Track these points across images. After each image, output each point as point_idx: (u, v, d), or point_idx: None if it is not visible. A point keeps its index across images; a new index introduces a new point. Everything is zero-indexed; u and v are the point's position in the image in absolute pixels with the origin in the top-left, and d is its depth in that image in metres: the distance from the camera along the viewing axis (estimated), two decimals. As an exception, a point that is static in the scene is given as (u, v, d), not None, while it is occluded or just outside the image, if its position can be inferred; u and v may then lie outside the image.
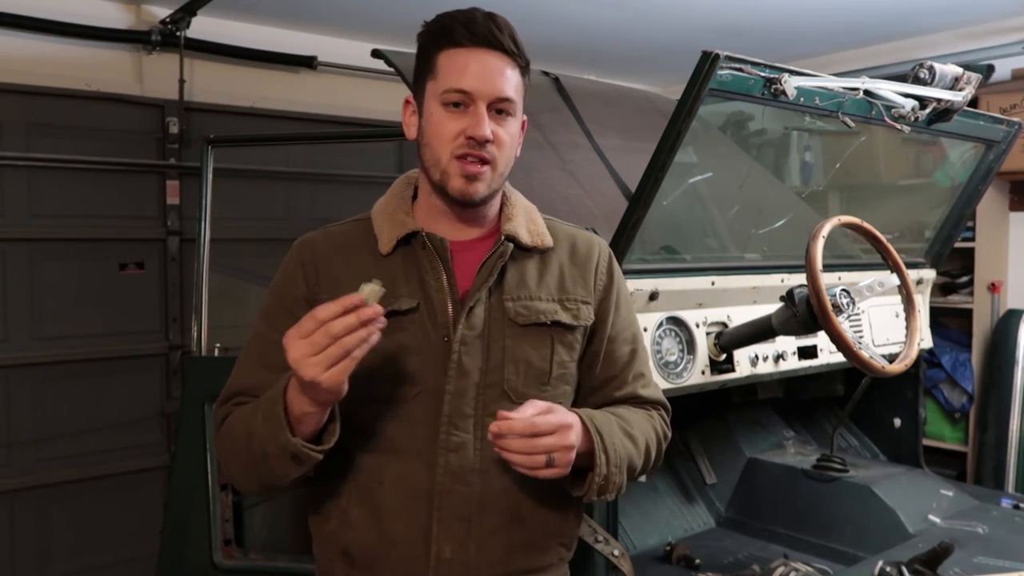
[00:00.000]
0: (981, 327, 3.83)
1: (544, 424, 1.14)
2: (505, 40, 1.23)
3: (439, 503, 1.23)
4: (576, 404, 1.37)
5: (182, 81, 3.58)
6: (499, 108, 1.24)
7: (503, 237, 1.30)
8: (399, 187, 1.37)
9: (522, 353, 1.27)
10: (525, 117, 1.34)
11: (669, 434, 1.41)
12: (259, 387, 1.25)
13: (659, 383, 1.57)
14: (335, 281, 1.28)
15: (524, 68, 1.28)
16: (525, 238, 1.31)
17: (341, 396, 1.13)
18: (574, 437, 1.17)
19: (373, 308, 1.08)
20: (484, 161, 1.23)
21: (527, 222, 1.34)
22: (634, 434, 1.30)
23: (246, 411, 1.23)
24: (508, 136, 1.26)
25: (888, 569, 1.96)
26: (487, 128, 1.21)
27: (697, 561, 2.22)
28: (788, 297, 2.03)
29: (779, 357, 2.33)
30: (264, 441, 1.16)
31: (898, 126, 2.07)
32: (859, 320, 2.55)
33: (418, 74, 1.29)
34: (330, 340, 1.06)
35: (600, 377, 1.38)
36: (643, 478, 1.47)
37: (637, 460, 1.30)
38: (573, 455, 1.16)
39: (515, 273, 1.30)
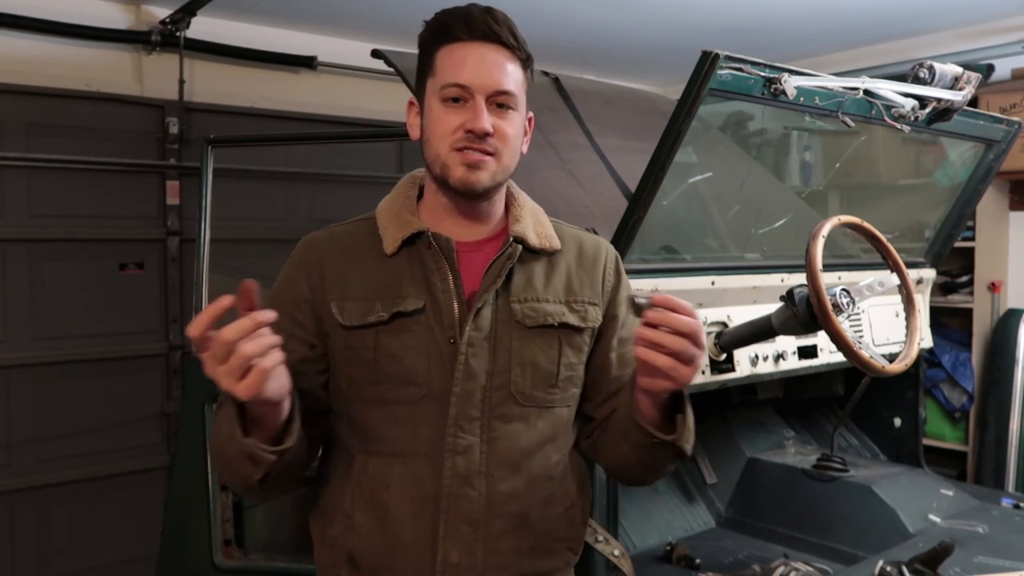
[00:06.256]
0: (981, 327, 3.83)
1: (692, 310, 1.07)
2: (503, 33, 1.22)
3: (446, 506, 1.22)
4: (590, 408, 1.35)
5: (182, 81, 3.58)
6: (499, 101, 1.22)
7: (511, 239, 1.28)
8: (404, 186, 1.35)
9: (529, 355, 1.26)
10: (532, 114, 1.33)
11: None
12: None
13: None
14: (341, 282, 1.27)
15: (525, 62, 1.26)
16: (533, 240, 1.29)
17: (278, 402, 1.09)
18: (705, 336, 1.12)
19: (267, 313, 1.03)
20: (487, 153, 1.22)
21: (534, 224, 1.32)
22: None
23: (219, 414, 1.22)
24: (511, 129, 1.24)
25: (888, 569, 1.96)
26: (486, 121, 1.20)
27: (697, 561, 2.22)
28: (788, 297, 2.02)
29: (779, 357, 2.32)
30: (225, 442, 1.14)
31: (898, 126, 2.07)
32: (859, 320, 2.55)
33: (419, 74, 1.28)
34: (228, 349, 1.00)
35: (615, 381, 1.34)
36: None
37: None
38: (700, 361, 1.11)
39: (522, 275, 1.28)
